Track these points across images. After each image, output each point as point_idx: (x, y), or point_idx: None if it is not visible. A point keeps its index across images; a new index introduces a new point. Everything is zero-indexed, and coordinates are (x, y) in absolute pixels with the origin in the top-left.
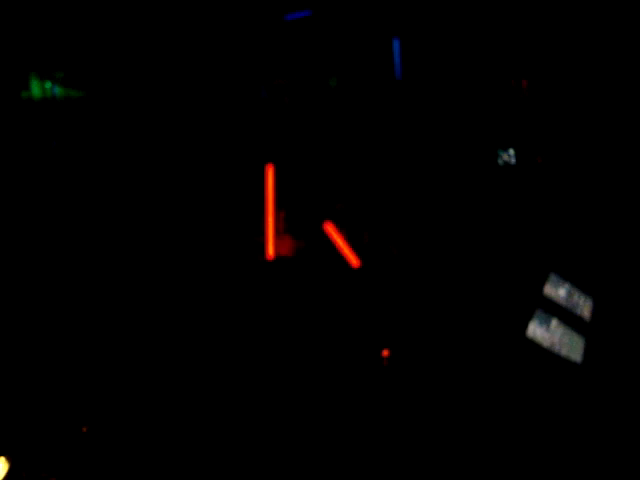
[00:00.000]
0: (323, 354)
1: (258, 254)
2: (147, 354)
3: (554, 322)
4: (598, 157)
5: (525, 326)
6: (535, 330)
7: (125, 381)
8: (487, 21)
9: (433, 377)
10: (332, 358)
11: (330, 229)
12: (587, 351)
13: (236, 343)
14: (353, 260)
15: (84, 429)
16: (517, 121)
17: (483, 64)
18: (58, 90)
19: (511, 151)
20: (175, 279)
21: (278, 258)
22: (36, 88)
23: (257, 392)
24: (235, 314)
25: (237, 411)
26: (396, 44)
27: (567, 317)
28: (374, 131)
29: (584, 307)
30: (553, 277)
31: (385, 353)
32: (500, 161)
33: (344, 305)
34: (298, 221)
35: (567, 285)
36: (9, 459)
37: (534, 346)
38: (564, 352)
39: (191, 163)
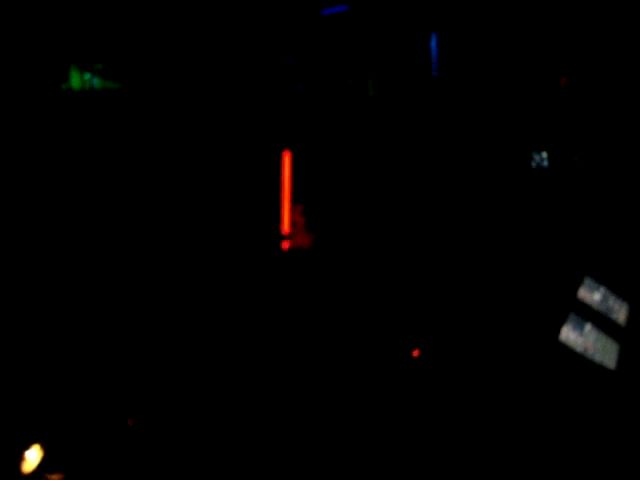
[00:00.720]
0: (343, 351)
1: (276, 243)
2: (169, 345)
3: (588, 327)
4: (635, 158)
5: (558, 330)
6: (568, 334)
7: (144, 373)
8: (525, 17)
9: (464, 378)
10: (352, 356)
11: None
12: (622, 357)
13: (252, 337)
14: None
15: (129, 421)
16: (553, 121)
17: (521, 62)
18: (96, 82)
19: (544, 154)
20: (191, 267)
21: (296, 250)
22: (76, 80)
23: (271, 387)
24: (251, 306)
25: (252, 408)
26: (434, 40)
27: (601, 322)
28: (408, 128)
29: (619, 312)
30: (588, 281)
31: (415, 353)
32: (533, 163)
33: (368, 302)
34: (318, 215)
35: (602, 289)
36: (43, 446)
37: (567, 350)
38: (598, 358)
39: (224, 154)
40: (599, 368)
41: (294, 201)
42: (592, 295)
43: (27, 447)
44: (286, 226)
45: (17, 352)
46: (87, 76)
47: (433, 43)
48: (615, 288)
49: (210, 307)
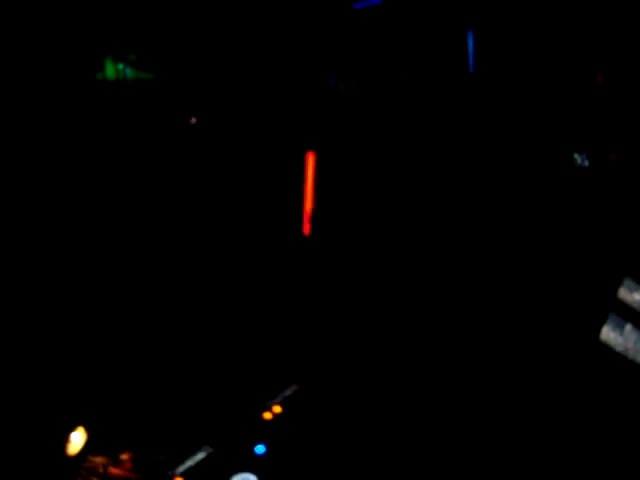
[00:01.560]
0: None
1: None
2: (197, 334)
3: (628, 327)
4: None
5: (599, 329)
6: (609, 334)
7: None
8: (562, 15)
9: (506, 377)
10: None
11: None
12: None
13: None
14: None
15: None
16: (591, 119)
17: (558, 59)
18: (129, 72)
19: (584, 154)
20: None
21: (319, 251)
22: (110, 70)
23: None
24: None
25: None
26: (470, 36)
27: None
28: (442, 125)
29: None
30: (628, 281)
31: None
32: (574, 163)
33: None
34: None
35: None
36: (87, 430)
37: (607, 350)
38: (639, 358)
39: (253, 148)
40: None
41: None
42: (632, 295)
43: (72, 429)
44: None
45: (64, 339)
46: (120, 66)
47: (470, 39)
48: None
49: (235, 302)
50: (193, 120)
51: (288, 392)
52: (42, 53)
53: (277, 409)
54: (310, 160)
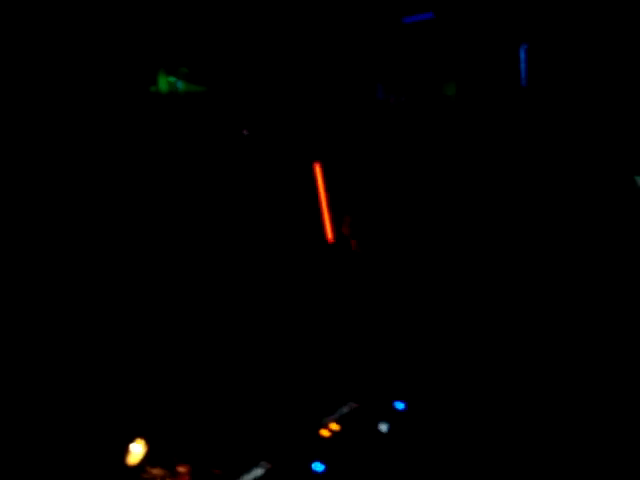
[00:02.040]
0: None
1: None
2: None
3: None
4: None
5: None
6: None
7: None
8: (616, 29)
9: (577, 379)
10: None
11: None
12: None
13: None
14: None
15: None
16: None
17: (612, 74)
18: (181, 85)
19: None
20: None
21: (343, 258)
22: (163, 83)
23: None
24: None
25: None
26: (523, 50)
27: None
28: (494, 140)
29: None
30: None
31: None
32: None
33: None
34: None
35: None
36: (147, 442)
37: None
38: None
39: (304, 157)
40: None
41: (343, 212)
42: None
43: (132, 440)
44: (330, 234)
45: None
46: (172, 79)
47: (522, 53)
48: None
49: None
50: (245, 132)
51: (345, 409)
52: (99, 65)
53: (334, 426)
54: (318, 171)
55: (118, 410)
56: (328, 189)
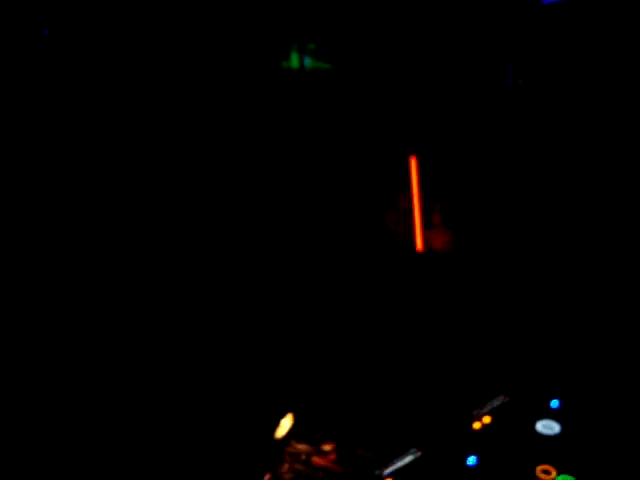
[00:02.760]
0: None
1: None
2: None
3: None
4: None
5: None
6: None
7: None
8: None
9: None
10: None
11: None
12: None
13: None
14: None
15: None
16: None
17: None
18: (308, 62)
19: None
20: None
21: (430, 253)
22: (295, 59)
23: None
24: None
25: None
26: None
27: None
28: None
29: None
30: None
31: None
32: None
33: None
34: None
35: None
36: (295, 416)
37: None
38: None
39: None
40: None
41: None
42: None
43: (283, 414)
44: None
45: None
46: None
47: None
48: None
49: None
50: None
51: (496, 402)
52: (231, 43)
53: (486, 419)
54: (413, 163)
55: (272, 387)
56: (423, 188)
